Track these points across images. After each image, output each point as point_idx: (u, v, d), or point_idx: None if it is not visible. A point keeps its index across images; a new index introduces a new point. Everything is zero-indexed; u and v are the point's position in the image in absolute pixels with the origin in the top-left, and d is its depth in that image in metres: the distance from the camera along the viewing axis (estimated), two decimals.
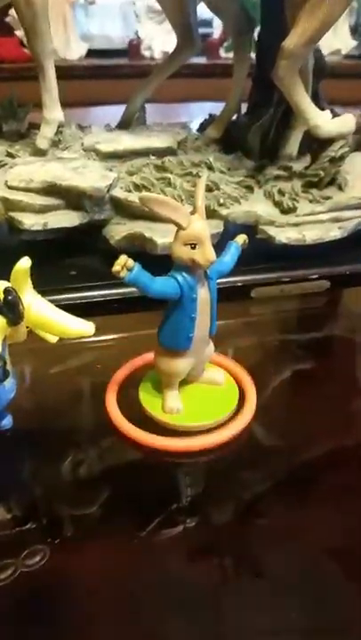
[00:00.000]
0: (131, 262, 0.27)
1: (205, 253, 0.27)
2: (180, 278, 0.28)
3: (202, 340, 0.30)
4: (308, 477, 0.29)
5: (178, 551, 0.25)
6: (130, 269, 0.27)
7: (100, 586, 0.23)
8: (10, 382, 0.29)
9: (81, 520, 0.26)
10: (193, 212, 0.28)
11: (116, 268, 0.26)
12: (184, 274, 0.28)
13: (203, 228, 0.27)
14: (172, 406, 0.31)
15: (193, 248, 0.27)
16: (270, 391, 0.35)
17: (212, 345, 0.32)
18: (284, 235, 0.43)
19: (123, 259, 0.26)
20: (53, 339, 0.29)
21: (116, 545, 0.25)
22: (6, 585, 0.23)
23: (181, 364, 0.31)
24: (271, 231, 0.44)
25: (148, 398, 0.32)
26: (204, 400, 0.32)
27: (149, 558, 0.25)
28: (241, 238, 0.32)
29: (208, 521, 0.26)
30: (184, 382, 0.32)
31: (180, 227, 0.27)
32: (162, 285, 0.28)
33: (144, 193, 0.28)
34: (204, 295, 0.29)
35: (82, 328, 0.28)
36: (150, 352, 0.32)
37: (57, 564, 0.24)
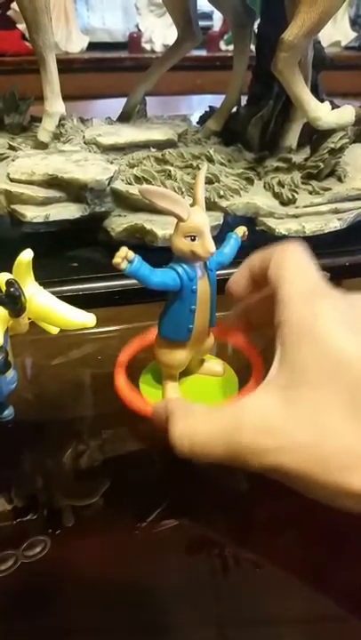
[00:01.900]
0: (131, 254, 0.27)
1: (205, 245, 0.27)
2: (179, 270, 0.28)
3: (202, 332, 0.31)
4: None
5: (178, 542, 0.25)
6: (130, 261, 0.27)
7: (100, 577, 0.24)
8: (11, 374, 0.29)
9: (82, 511, 0.26)
10: (193, 204, 0.28)
11: (117, 259, 0.26)
12: (184, 265, 0.28)
13: (202, 220, 0.27)
14: (171, 397, 0.32)
15: (193, 240, 0.27)
16: None
17: (212, 336, 0.32)
18: (284, 226, 0.43)
19: (123, 250, 0.26)
20: (55, 330, 0.30)
21: (116, 536, 0.25)
22: (7, 576, 0.23)
23: (181, 356, 0.31)
24: (271, 222, 0.44)
25: (148, 389, 0.33)
26: (204, 390, 0.33)
27: (150, 549, 0.25)
28: (240, 230, 0.32)
29: (208, 511, 0.27)
30: (184, 373, 0.33)
31: (179, 219, 0.27)
32: (162, 277, 0.28)
33: (144, 185, 0.28)
34: (203, 287, 0.29)
35: (83, 319, 0.28)
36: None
37: (57, 554, 0.24)
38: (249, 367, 0.33)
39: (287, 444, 0.21)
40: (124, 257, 0.26)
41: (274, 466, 0.21)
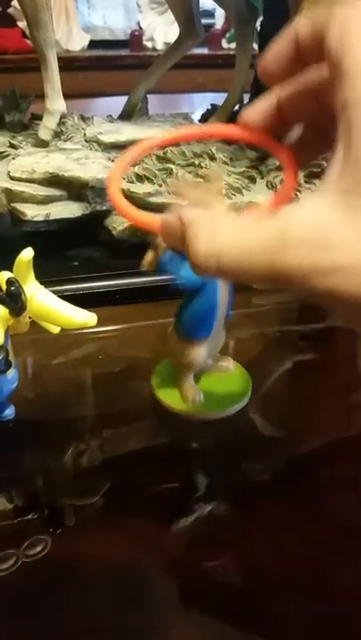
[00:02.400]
0: (161, 249, 0.26)
1: None
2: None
3: (220, 327, 0.30)
4: (308, 467, 0.29)
5: (178, 542, 0.25)
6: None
7: (100, 576, 0.24)
8: (12, 373, 0.29)
9: (82, 510, 0.26)
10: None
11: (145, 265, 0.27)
12: None
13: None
14: (194, 397, 0.31)
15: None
16: (271, 381, 0.35)
17: (224, 331, 0.32)
18: None
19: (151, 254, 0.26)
20: (56, 329, 0.30)
21: (116, 535, 0.25)
22: (8, 574, 0.23)
23: (201, 352, 0.30)
24: None
25: (164, 392, 0.32)
26: (220, 387, 0.33)
27: (149, 548, 0.25)
28: None
29: (208, 511, 0.27)
30: (196, 372, 0.32)
31: (209, 206, 0.26)
32: (188, 277, 0.27)
33: (175, 180, 0.27)
34: (223, 281, 0.28)
35: (84, 318, 0.28)
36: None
37: (58, 554, 0.24)
38: (256, 361, 0.33)
39: (351, 264, 0.16)
40: (153, 258, 0.26)
41: (328, 290, 0.17)
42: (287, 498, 0.27)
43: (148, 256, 0.27)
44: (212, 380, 0.33)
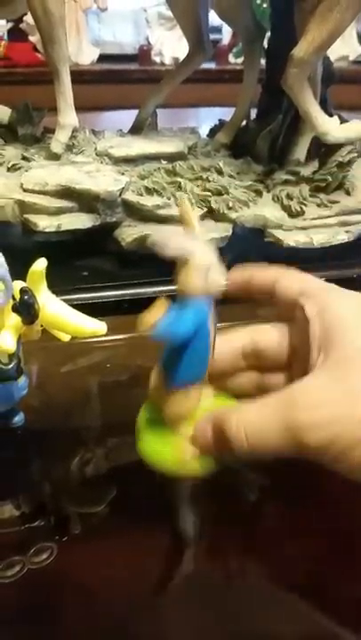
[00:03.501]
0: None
1: (218, 277, 0.24)
2: (194, 311, 0.24)
3: (209, 369, 0.27)
4: (312, 477, 0.29)
5: (182, 552, 0.25)
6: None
7: (105, 585, 0.23)
8: (23, 380, 0.30)
9: (88, 519, 0.26)
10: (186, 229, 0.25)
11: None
12: (194, 305, 0.24)
13: (209, 251, 0.24)
14: (186, 456, 0.26)
15: (207, 274, 0.24)
16: None
17: None
18: (293, 238, 0.44)
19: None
20: (66, 337, 0.30)
21: (122, 544, 0.25)
22: (14, 581, 0.23)
23: (198, 397, 0.27)
24: (279, 234, 0.44)
25: (153, 449, 0.27)
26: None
27: (154, 558, 0.25)
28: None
29: (214, 523, 0.27)
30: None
31: (191, 255, 0.23)
32: (184, 328, 0.24)
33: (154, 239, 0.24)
34: (212, 322, 0.26)
35: (95, 327, 0.29)
36: None
37: (64, 561, 0.24)
38: None
39: (345, 413, 0.21)
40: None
41: (331, 437, 0.21)
42: (290, 505, 0.27)
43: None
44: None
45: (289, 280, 0.27)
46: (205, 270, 0.24)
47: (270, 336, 0.28)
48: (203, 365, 0.26)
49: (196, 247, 0.24)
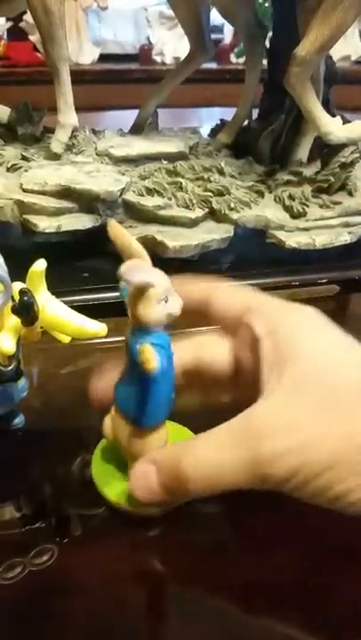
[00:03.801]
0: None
1: (177, 303, 0.24)
2: (159, 342, 0.24)
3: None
4: None
5: (184, 554, 0.25)
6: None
7: (106, 586, 0.23)
8: (23, 382, 0.29)
9: (89, 520, 0.26)
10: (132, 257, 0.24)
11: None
12: (157, 335, 0.24)
13: (166, 279, 0.23)
14: (151, 451, 0.26)
15: (166, 302, 0.23)
16: None
17: None
18: (294, 239, 0.44)
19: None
20: (66, 339, 0.30)
21: (123, 545, 0.25)
22: (15, 583, 0.23)
23: (166, 432, 0.26)
24: (281, 235, 0.44)
25: (110, 484, 0.27)
26: None
27: (155, 560, 0.25)
28: None
29: (213, 522, 0.27)
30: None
31: (149, 286, 0.23)
32: (164, 368, 0.23)
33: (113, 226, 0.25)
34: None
35: (95, 329, 0.29)
36: None
37: (64, 563, 0.24)
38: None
39: (309, 439, 0.20)
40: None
41: (297, 465, 0.20)
42: (287, 507, 0.27)
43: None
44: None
45: (228, 296, 0.26)
46: (164, 299, 0.23)
47: (215, 350, 0.26)
48: (169, 400, 0.25)
49: (153, 276, 0.23)
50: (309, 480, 0.20)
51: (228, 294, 0.27)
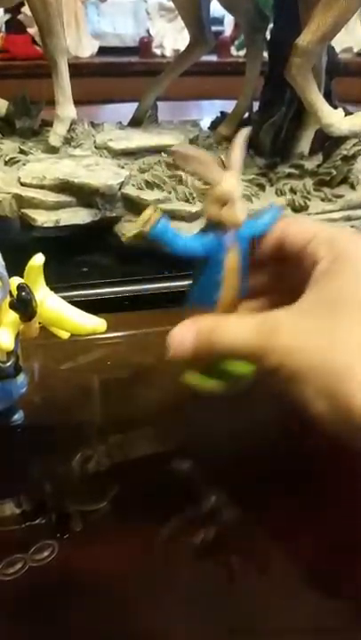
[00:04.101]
0: (155, 217, 0.26)
1: (234, 213, 0.26)
2: (207, 237, 0.27)
3: (229, 304, 0.29)
4: (317, 470, 0.29)
5: (186, 549, 0.25)
6: (153, 225, 0.26)
7: (106, 582, 0.23)
8: (21, 378, 0.29)
9: (90, 516, 0.26)
10: (226, 169, 0.26)
11: (139, 223, 0.26)
12: (213, 233, 0.27)
13: (234, 186, 0.26)
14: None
15: (222, 206, 0.26)
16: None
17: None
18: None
19: (147, 213, 0.26)
20: (65, 335, 0.30)
21: (123, 541, 0.25)
22: (15, 579, 0.23)
23: None
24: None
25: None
26: (226, 369, 0.30)
27: (157, 555, 0.25)
28: (283, 199, 0.31)
29: (218, 518, 0.26)
30: None
31: (210, 183, 0.26)
32: (187, 243, 0.27)
33: (177, 147, 0.27)
34: (232, 257, 0.28)
35: (94, 325, 0.28)
36: None
37: (65, 559, 0.24)
38: None
39: (330, 345, 0.21)
40: (148, 220, 0.26)
41: (306, 366, 0.21)
42: (293, 502, 0.27)
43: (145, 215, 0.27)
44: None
45: (299, 228, 0.27)
46: (223, 202, 0.25)
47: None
48: (209, 296, 0.28)
49: (219, 178, 0.25)
50: (299, 379, 0.21)
51: (300, 226, 0.27)
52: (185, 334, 0.25)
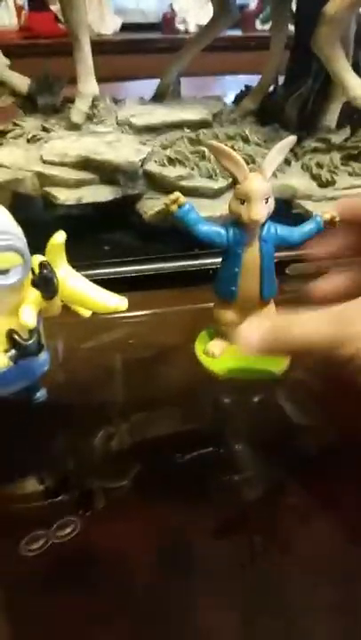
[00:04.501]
0: (183, 199, 0.28)
1: (251, 211, 0.28)
2: (228, 230, 0.29)
3: (249, 298, 0.31)
4: (338, 455, 0.29)
5: (206, 528, 0.25)
6: (180, 206, 0.28)
7: (127, 559, 0.24)
8: (44, 355, 0.29)
9: (111, 493, 0.26)
10: (257, 171, 0.28)
11: (167, 201, 0.28)
12: (234, 227, 0.29)
13: (254, 187, 0.27)
14: (209, 349, 0.33)
15: (242, 203, 0.28)
16: (304, 369, 0.34)
17: (270, 309, 0.32)
18: (323, 209, 0.42)
19: (175, 194, 0.28)
20: (87, 313, 0.29)
21: (144, 519, 0.25)
22: (38, 555, 0.23)
23: (227, 316, 0.32)
24: (308, 205, 0.43)
25: (201, 341, 0.35)
26: (248, 361, 0.32)
27: (177, 534, 0.25)
28: (328, 214, 0.31)
29: (238, 498, 0.26)
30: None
31: (236, 180, 0.28)
32: (208, 229, 0.29)
33: (213, 141, 0.29)
34: (251, 254, 0.30)
35: (116, 303, 0.28)
36: None
37: (87, 536, 0.24)
38: None
39: None
40: (175, 201, 0.28)
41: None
42: (314, 484, 0.27)
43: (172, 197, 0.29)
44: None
45: None
46: (243, 200, 0.28)
47: None
48: (227, 286, 0.31)
49: (245, 177, 0.28)
50: None
51: None
52: (255, 331, 0.26)
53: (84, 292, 0.28)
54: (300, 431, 0.30)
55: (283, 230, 0.30)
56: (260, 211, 0.28)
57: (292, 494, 0.27)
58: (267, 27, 1.44)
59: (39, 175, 0.42)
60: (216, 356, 0.33)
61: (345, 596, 0.22)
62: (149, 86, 0.59)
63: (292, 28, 0.55)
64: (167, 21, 1.61)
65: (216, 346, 0.33)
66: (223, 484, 0.27)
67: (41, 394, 0.31)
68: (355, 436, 0.30)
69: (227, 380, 0.33)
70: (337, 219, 0.30)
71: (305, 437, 0.30)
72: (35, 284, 0.26)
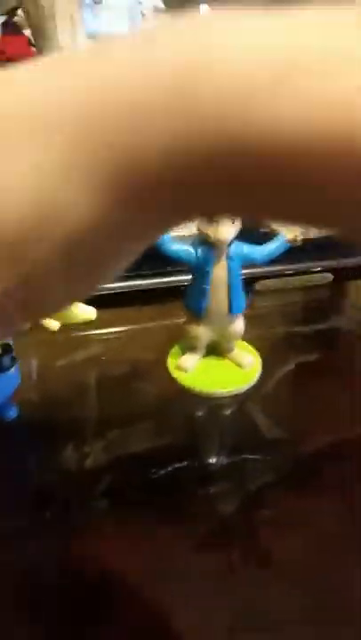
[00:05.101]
0: None
1: (218, 231, 0.29)
2: (197, 249, 0.30)
3: (218, 314, 0.32)
4: (312, 466, 0.29)
5: (189, 539, 0.25)
6: None
7: (107, 573, 0.24)
8: (14, 369, 0.29)
9: (88, 510, 0.26)
10: None
11: None
12: (203, 246, 0.30)
13: None
14: (182, 364, 0.34)
15: (210, 224, 0.29)
16: (275, 382, 0.35)
17: (238, 324, 0.33)
18: (287, 228, 0.43)
19: None
20: (55, 326, 0.30)
21: (122, 534, 0.25)
22: (15, 570, 0.23)
23: (196, 330, 0.33)
24: (274, 224, 0.44)
25: (174, 356, 0.36)
26: (222, 373, 0.34)
27: (155, 547, 0.25)
28: (291, 233, 0.32)
29: (216, 510, 0.27)
30: (213, 353, 0.35)
31: None
32: (178, 248, 0.30)
33: None
34: (219, 272, 0.30)
35: (84, 313, 0.29)
36: None
37: (64, 551, 0.24)
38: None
39: None
40: None
41: None
42: (292, 494, 0.28)
43: None
44: (221, 365, 0.35)
45: None
46: (212, 221, 0.28)
47: None
48: (196, 302, 0.31)
49: None
50: None
51: None
52: None
53: None
54: (273, 443, 0.31)
55: (249, 249, 0.31)
56: (228, 230, 0.29)
57: (268, 506, 0.27)
58: None
59: None
60: (188, 370, 0.34)
61: (322, 605, 0.23)
62: None
63: None
64: None
65: (188, 360, 0.34)
66: (199, 497, 0.27)
67: (13, 412, 0.31)
68: (327, 447, 0.31)
69: (200, 393, 0.33)
70: (300, 237, 0.32)
71: (278, 449, 0.30)
72: None
